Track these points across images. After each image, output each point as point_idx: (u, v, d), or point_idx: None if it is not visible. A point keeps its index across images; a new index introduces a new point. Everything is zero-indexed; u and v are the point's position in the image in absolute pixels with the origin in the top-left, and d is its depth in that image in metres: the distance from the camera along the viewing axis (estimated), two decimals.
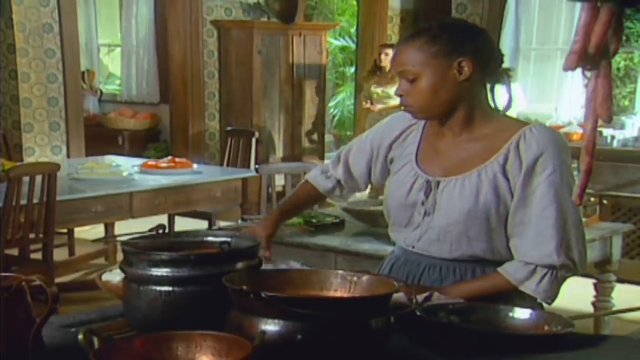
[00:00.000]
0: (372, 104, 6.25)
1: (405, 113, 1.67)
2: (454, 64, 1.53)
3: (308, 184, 1.88)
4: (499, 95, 1.63)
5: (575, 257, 1.54)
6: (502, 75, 1.60)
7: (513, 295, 1.56)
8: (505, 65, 1.62)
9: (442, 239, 1.59)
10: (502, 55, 1.61)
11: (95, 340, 1.05)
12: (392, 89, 5.85)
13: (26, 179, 3.47)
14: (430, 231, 1.60)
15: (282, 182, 4.33)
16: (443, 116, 1.59)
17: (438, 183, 1.59)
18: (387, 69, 6.00)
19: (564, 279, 1.57)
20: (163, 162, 4.46)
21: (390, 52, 5.84)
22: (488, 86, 1.61)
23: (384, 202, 1.71)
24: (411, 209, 1.62)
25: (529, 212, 1.52)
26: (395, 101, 5.71)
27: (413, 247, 1.64)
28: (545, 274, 1.53)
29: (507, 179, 1.54)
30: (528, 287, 1.54)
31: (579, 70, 0.91)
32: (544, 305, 1.62)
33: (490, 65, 1.57)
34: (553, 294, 1.56)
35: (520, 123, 1.59)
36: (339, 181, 1.85)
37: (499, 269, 1.56)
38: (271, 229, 1.78)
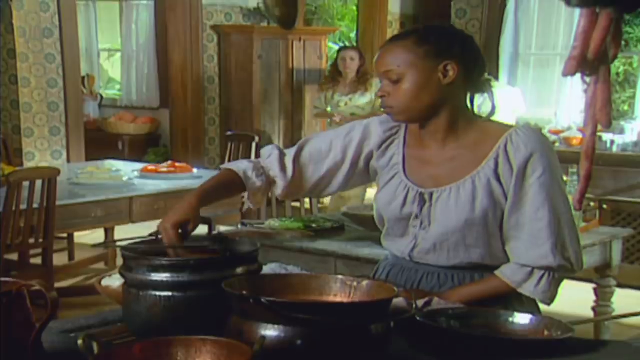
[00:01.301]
0: (326, 114, 5.41)
1: (382, 119, 1.66)
2: (439, 67, 1.52)
3: (235, 174, 1.65)
4: (478, 105, 1.63)
5: (572, 257, 1.54)
6: (485, 84, 1.60)
7: (511, 299, 1.56)
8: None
9: (439, 247, 1.58)
10: (485, 64, 1.61)
11: (95, 346, 1.05)
12: (360, 99, 5.28)
13: (26, 183, 3.47)
14: (425, 241, 1.59)
15: None
16: (423, 119, 1.57)
17: (431, 194, 1.57)
18: (349, 74, 5.33)
19: (562, 279, 1.57)
20: (163, 167, 4.46)
21: (354, 55, 5.34)
22: (468, 95, 1.60)
23: (375, 213, 1.68)
24: (406, 221, 1.61)
25: (522, 215, 1.52)
26: (365, 110, 5.21)
27: (409, 257, 1.63)
28: (542, 275, 1.54)
29: (500, 183, 1.54)
30: (526, 289, 1.55)
31: (578, 75, 0.91)
32: (543, 307, 1.62)
33: (474, 73, 1.57)
34: (552, 295, 1.56)
35: (504, 126, 1.58)
36: (268, 182, 1.68)
37: (496, 272, 1.57)
38: (197, 216, 1.51)
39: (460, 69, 1.53)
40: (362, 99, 5.32)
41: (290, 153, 1.69)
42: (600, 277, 3.30)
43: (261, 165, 1.68)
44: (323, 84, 5.59)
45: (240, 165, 1.67)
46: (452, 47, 1.53)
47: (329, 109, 5.42)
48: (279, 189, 1.70)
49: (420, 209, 1.58)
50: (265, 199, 1.73)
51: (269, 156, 1.69)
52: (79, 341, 1.05)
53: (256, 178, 1.66)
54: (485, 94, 1.61)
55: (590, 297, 3.36)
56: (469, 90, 1.59)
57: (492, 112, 1.61)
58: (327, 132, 1.74)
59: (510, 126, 1.58)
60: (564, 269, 1.54)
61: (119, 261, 1.44)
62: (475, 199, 1.53)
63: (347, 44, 9.60)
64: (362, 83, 5.31)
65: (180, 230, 1.44)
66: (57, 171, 3.59)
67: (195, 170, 4.51)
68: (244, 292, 1.19)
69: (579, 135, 5.17)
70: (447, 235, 1.56)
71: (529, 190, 1.51)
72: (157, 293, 1.29)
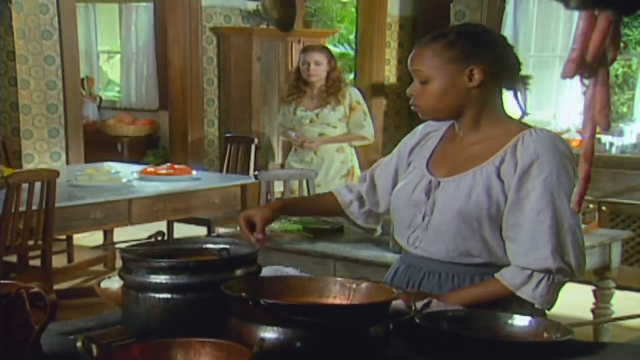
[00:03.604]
0: (295, 136, 4.20)
1: (431, 121, 1.72)
2: (465, 71, 1.56)
3: (331, 194, 1.90)
4: (513, 101, 1.64)
5: (572, 262, 1.53)
6: (519, 82, 1.62)
7: (512, 302, 1.56)
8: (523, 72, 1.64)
9: (440, 238, 1.60)
10: (519, 63, 1.62)
11: (94, 348, 1.05)
12: (331, 115, 4.13)
13: (25, 185, 3.47)
14: (429, 231, 1.62)
15: (282, 189, 4.33)
16: (450, 119, 1.64)
17: (439, 184, 1.62)
18: (316, 84, 4.14)
19: (562, 285, 1.57)
20: (162, 169, 4.47)
21: (321, 59, 4.12)
22: (506, 92, 1.63)
23: (391, 204, 1.74)
24: (414, 209, 1.64)
25: (523, 216, 1.52)
26: (338, 130, 4.17)
27: (416, 247, 1.65)
28: (542, 280, 1.53)
29: (502, 181, 1.55)
30: (525, 293, 1.54)
31: (577, 78, 0.91)
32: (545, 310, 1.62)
33: (504, 74, 1.59)
34: (551, 300, 1.56)
35: (523, 127, 1.60)
36: (360, 197, 1.84)
37: (496, 275, 1.57)
38: (269, 214, 1.71)
39: (487, 73, 1.56)
40: (334, 115, 4.15)
41: (370, 171, 1.85)
42: (600, 279, 3.30)
43: (355, 185, 1.88)
44: (286, 96, 4.32)
45: (337, 188, 1.92)
46: (479, 53, 1.56)
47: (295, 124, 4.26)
48: (365, 202, 1.84)
49: (428, 197, 1.62)
50: (361, 213, 1.85)
51: (359, 178, 1.90)
52: (79, 344, 1.05)
53: (348, 194, 1.85)
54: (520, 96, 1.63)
55: (590, 300, 3.36)
56: (503, 88, 1.62)
57: (524, 114, 1.63)
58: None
59: (530, 127, 1.59)
60: (563, 272, 1.53)
61: (119, 263, 1.44)
62: (472, 192, 1.55)
63: (346, 46, 9.60)
64: (333, 94, 4.13)
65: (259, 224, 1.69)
66: (56, 173, 3.59)
67: (194, 172, 4.51)
68: (244, 294, 1.19)
69: (579, 138, 5.17)
70: (446, 225, 1.58)
71: (532, 191, 1.52)
72: (157, 295, 1.29)
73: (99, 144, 7.01)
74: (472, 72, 1.56)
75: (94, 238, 5.27)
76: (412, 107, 1.65)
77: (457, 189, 1.57)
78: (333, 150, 4.22)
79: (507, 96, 1.65)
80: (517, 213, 1.53)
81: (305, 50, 4.26)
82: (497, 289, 1.56)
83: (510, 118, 1.63)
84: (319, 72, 4.11)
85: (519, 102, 1.63)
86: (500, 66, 1.58)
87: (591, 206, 3.82)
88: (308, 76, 4.13)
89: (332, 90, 4.14)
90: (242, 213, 1.75)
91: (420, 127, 1.78)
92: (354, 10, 8.54)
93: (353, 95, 4.24)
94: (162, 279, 1.28)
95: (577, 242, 1.54)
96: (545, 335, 1.36)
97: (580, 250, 1.55)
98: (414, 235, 1.64)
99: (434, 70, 1.57)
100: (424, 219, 1.62)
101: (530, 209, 1.51)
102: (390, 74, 7.09)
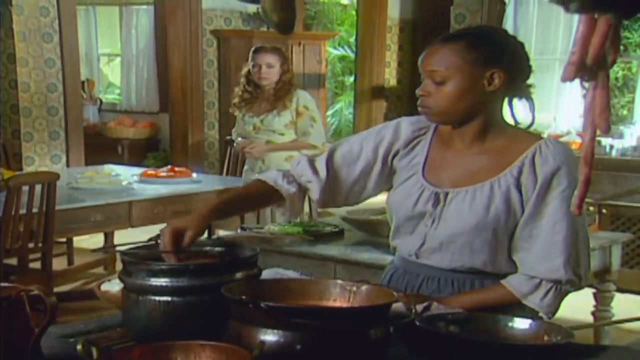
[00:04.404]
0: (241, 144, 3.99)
1: (412, 119, 1.66)
2: (486, 74, 1.51)
3: (265, 184, 1.66)
4: (517, 109, 1.62)
5: (582, 273, 1.54)
6: (525, 89, 1.60)
7: (513, 307, 1.55)
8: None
9: (445, 248, 1.58)
10: (531, 71, 1.59)
11: (94, 351, 1.04)
12: (276, 120, 3.86)
13: (25, 188, 3.47)
14: (433, 241, 1.59)
15: None
16: (459, 123, 1.57)
17: (447, 194, 1.57)
18: (267, 87, 3.88)
19: (567, 294, 1.57)
20: (162, 171, 4.47)
21: (273, 61, 3.86)
22: (506, 99, 1.59)
23: (387, 212, 1.69)
24: (417, 219, 1.61)
25: (538, 226, 1.51)
26: (286, 137, 3.90)
27: (416, 255, 1.63)
28: (550, 289, 1.53)
29: (520, 192, 1.53)
30: (532, 301, 1.54)
31: (577, 81, 0.91)
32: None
33: (518, 80, 1.56)
34: (555, 309, 1.56)
35: (534, 137, 1.58)
36: (299, 190, 1.67)
37: (503, 282, 1.56)
38: (200, 224, 1.47)
39: (506, 77, 1.52)
40: (278, 121, 3.86)
41: (321, 158, 1.69)
42: (600, 281, 3.29)
43: (291, 174, 1.68)
44: (237, 101, 4.02)
45: (270, 175, 1.67)
46: (501, 56, 1.52)
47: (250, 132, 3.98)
48: (315, 194, 1.67)
49: (435, 208, 1.58)
50: (302, 208, 1.70)
51: (298, 164, 1.69)
52: (79, 346, 1.05)
53: (288, 185, 1.65)
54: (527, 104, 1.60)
55: (590, 302, 3.36)
56: (509, 96, 1.58)
57: (531, 123, 1.61)
58: (357, 135, 1.74)
59: (540, 137, 1.57)
60: (571, 283, 1.53)
61: (119, 266, 1.44)
62: (491, 204, 1.52)
63: (346, 48, 9.61)
64: (280, 98, 3.83)
65: (187, 237, 1.44)
66: (56, 176, 3.59)
67: (194, 175, 4.51)
68: (244, 297, 1.19)
69: (578, 140, 5.18)
70: (456, 236, 1.55)
71: (550, 203, 1.51)
72: (157, 298, 1.28)
73: (99, 147, 7.01)
74: (492, 75, 1.51)
75: (94, 240, 5.27)
76: (420, 108, 1.57)
77: (473, 200, 1.53)
78: (281, 159, 3.86)
79: (507, 103, 1.61)
80: (533, 224, 1.51)
81: (256, 51, 3.94)
82: (500, 295, 1.55)
83: (512, 126, 1.60)
84: (270, 75, 3.84)
85: (531, 110, 1.59)
86: (518, 72, 1.55)
87: (591, 208, 3.82)
88: (259, 79, 3.86)
89: (280, 93, 3.85)
90: (169, 223, 1.45)
91: (404, 127, 1.66)
92: (354, 12, 8.55)
93: (300, 99, 3.91)
94: (162, 281, 1.28)
95: (587, 253, 1.56)
96: (546, 337, 1.35)
97: (589, 260, 1.57)
98: (416, 243, 1.62)
99: (454, 71, 1.50)
100: (429, 229, 1.59)
101: (547, 220, 1.50)
102: (390, 76, 7.10)
